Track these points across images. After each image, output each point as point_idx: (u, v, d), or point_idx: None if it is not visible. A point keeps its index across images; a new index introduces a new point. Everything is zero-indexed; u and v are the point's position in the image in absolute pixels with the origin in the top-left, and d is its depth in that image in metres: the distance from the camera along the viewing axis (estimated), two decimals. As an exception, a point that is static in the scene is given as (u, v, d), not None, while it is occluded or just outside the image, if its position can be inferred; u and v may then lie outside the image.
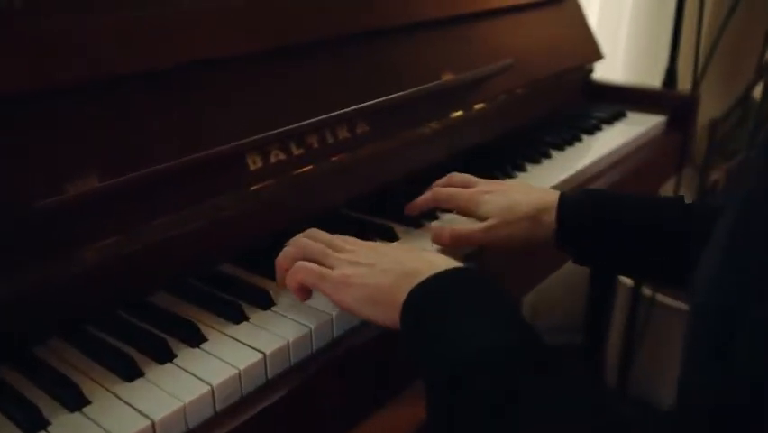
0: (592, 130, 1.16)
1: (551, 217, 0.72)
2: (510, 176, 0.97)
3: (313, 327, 0.61)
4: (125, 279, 0.65)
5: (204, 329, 0.61)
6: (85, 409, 0.52)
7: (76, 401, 0.52)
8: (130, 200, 0.64)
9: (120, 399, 0.53)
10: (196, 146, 0.68)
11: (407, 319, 0.54)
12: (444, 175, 0.83)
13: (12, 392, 0.54)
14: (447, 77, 1.00)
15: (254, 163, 0.74)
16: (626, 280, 1.65)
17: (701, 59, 1.26)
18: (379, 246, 0.63)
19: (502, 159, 1.01)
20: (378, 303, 0.56)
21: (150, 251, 0.65)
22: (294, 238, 0.67)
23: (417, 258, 0.58)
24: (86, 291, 0.63)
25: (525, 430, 0.43)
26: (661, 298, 1.61)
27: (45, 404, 0.52)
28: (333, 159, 0.83)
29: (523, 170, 0.99)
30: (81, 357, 0.58)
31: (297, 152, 0.79)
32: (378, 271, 0.57)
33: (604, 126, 1.19)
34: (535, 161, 1.02)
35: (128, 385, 0.55)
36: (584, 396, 0.44)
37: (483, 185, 0.78)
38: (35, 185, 0.59)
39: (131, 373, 0.55)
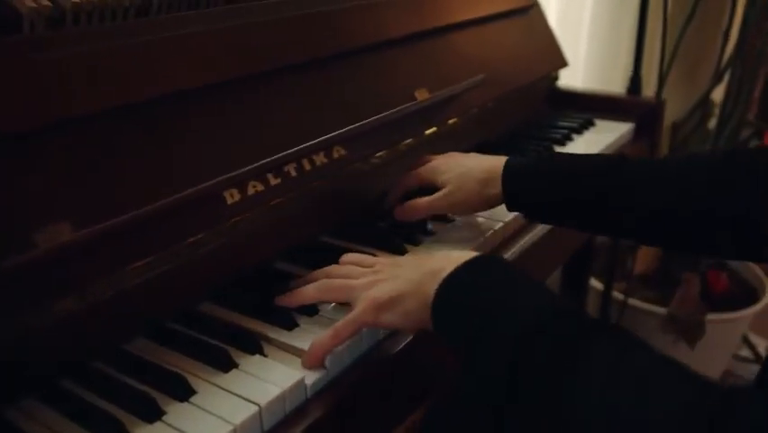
0: (563, 140, 1.16)
1: (498, 180, 0.78)
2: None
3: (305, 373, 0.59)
4: (102, 327, 0.62)
5: (191, 380, 0.58)
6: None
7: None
8: (104, 247, 0.60)
9: None
10: (170, 186, 0.65)
11: (443, 312, 0.55)
12: (416, 194, 0.86)
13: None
14: (421, 94, 0.98)
15: (231, 197, 0.71)
16: (597, 284, 1.66)
17: (665, 65, 1.27)
18: (394, 259, 0.67)
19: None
20: (408, 309, 0.58)
21: (125, 296, 0.62)
22: (312, 277, 0.68)
23: (435, 259, 0.60)
24: (61, 343, 0.59)
25: (603, 390, 0.43)
26: (632, 301, 1.62)
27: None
28: (312, 185, 0.80)
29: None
30: (60, 419, 0.55)
31: (274, 181, 0.76)
32: (402, 280, 0.59)
33: (574, 136, 1.19)
34: (512, 176, 1.01)
35: None
36: (663, 362, 0.45)
37: (439, 158, 0.86)
38: (2, 239, 0.55)
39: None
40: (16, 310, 0.55)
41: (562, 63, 1.38)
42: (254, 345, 0.62)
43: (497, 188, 0.78)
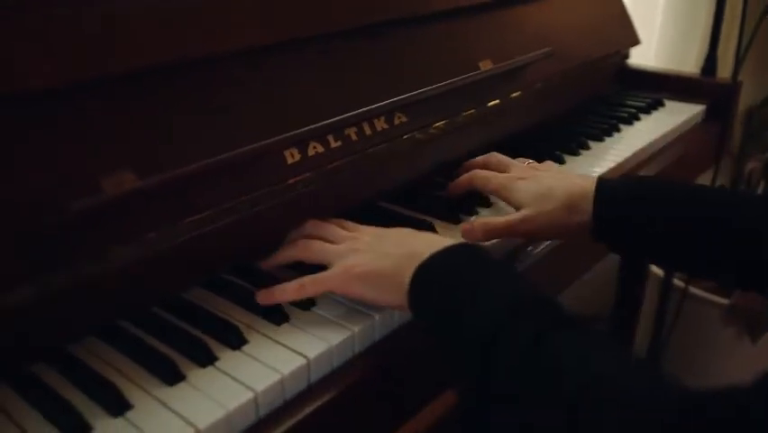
0: (630, 119, 1.13)
1: (587, 205, 0.68)
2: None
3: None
4: (162, 276, 0.64)
5: (244, 330, 0.59)
6: (128, 414, 0.51)
7: (118, 406, 0.51)
8: (165, 198, 0.62)
9: (162, 403, 0.52)
10: (231, 142, 0.66)
11: (418, 295, 0.56)
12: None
13: (52, 394, 0.53)
14: (485, 65, 0.97)
15: (292, 157, 0.72)
16: (657, 271, 1.62)
17: (742, 47, 1.22)
18: (378, 231, 0.65)
19: (539, 149, 0.98)
20: (382, 287, 0.58)
21: (183, 247, 0.64)
22: (290, 237, 0.69)
23: (416, 240, 0.60)
24: (124, 289, 0.61)
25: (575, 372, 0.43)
26: (693, 289, 1.58)
27: (86, 408, 0.51)
28: (372, 150, 0.81)
29: (561, 161, 0.97)
30: (119, 357, 0.57)
31: (334, 144, 0.76)
32: (379, 255, 0.60)
33: (642, 115, 1.16)
34: (573, 152, 0.99)
35: (169, 390, 0.53)
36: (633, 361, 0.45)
37: (518, 170, 0.77)
38: (71, 184, 0.57)
39: (173, 377, 0.54)
40: (84, 252, 0.58)
41: (634, 41, 1.34)
42: (306, 302, 0.63)
43: (585, 215, 0.68)
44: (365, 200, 0.83)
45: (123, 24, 0.62)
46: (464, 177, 0.80)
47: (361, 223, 0.73)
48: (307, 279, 0.61)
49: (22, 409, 0.52)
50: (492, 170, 0.79)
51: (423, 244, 0.58)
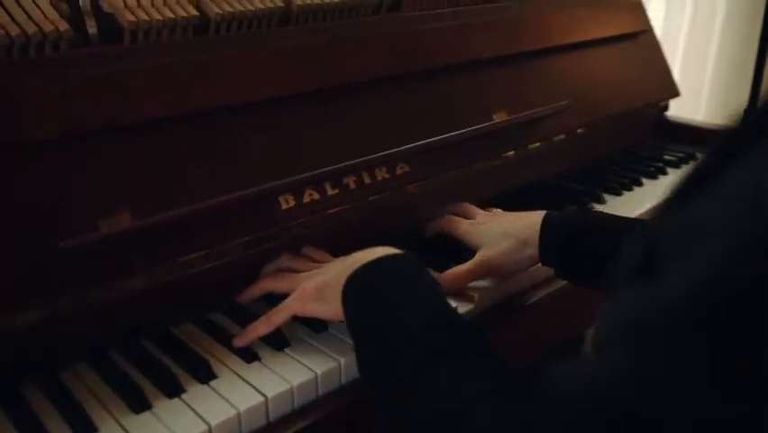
0: (655, 174, 1.12)
1: (536, 238, 0.74)
2: (556, 221, 0.95)
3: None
4: (153, 310, 0.69)
5: (216, 366, 0.64)
6: (92, 437, 0.56)
7: (85, 430, 0.56)
8: (159, 237, 0.67)
9: (125, 430, 0.56)
10: (225, 187, 0.71)
11: (346, 304, 0.60)
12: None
13: (32, 415, 0.58)
14: (500, 116, 0.99)
15: (286, 203, 0.77)
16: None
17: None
18: (341, 258, 0.68)
19: (551, 200, 0.99)
20: (328, 299, 0.63)
21: (175, 284, 0.69)
22: (265, 270, 0.74)
23: (361, 253, 0.64)
24: (115, 319, 0.67)
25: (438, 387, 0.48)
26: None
27: (59, 430, 0.56)
28: (370, 199, 0.84)
29: (571, 214, 0.97)
30: (100, 382, 0.62)
31: (331, 192, 0.80)
32: (329, 273, 0.64)
33: (669, 170, 1.15)
34: (585, 204, 1.00)
35: (134, 417, 0.58)
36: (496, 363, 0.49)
37: (481, 216, 0.84)
38: (70, 222, 0.63)
39: (139, 405, 0.59)
40: (82, 283, 0.64)
41: (673, 93, 1.32)
42: (280, 342, 0.67)
43: (535, 247, 0.74)
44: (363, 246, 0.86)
45: (131, 79, 0.68)
46: (437, 222, 0.86)
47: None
48: (272, 310, 0.66)
49: (6, 426, 0.57)
50: (460, 216, 0.85)
51: (364, 254, 0.63)
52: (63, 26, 0.74)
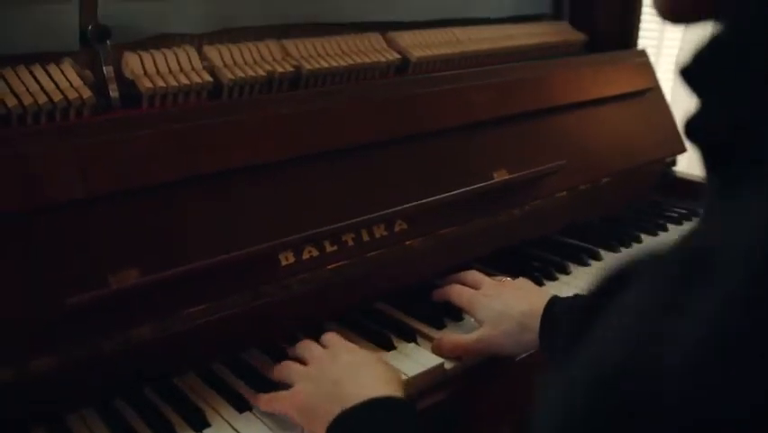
0: (655, 231, 1.14)
1: (536, 324, 0.74)
2: (552, 277, 0.99)
3: None
4: (155, 360, 0.74)
5: (210, 414, 0.68)
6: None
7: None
8: (165, 292, 0.73)
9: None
10: (227, 245, 0.76)
11: None
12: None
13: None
14: (500, 175, 1.03)
15: (286, 259, 0.81)
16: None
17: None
18: (331, 361, 0.69)
19: (549, 257, 1.03)
20: (311, 421, 0.64)
21: (179, 337, 0.74)
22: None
23: (355, 381, 0.64)
24: (121, 368, 0.72)
25: None
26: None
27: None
28: (369, 255, 0.89)
29: (566, 271, 1.00)
30: (101, 425, 0.67)
31: (330, 249, 0.85)
32: (319, 390, 0.65)
33: (670, 226, 1.17)
34: (582, 262, 1.03)
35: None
36: None
37: (487, 287, 0.84)
38: (83, 277, 0.69)
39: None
40: (87, 335, 0.69)
41: (678, 149, 1.35)
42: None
43: (533, 333, 0.74)
44: (363, 301, 0.90)
45: (142, 145, 0.74)
46: (442, 290, 0.88)
47: (357, 324, 0.84)
48: (268, 396, 0.69)
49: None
50: (468, 285, 0.86)
51: (356, 387, 0.63)
52: (86, 93, 0.81)
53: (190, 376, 0.76)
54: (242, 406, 0.70)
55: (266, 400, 0.69)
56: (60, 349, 0.68)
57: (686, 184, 1.34)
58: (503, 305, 0.78)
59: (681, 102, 1.72)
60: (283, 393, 0.69)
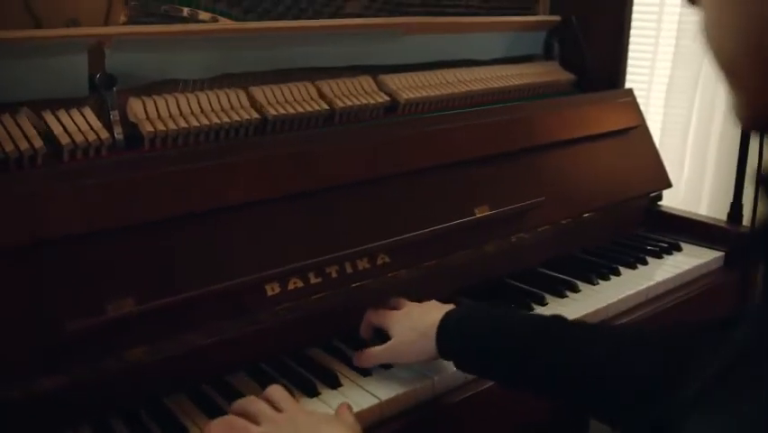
0: (634, 264, 1.19)
1: (433, 331, 0.83)
2: (529, 308, 1.04)
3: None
4: (148, 382, 0.80)
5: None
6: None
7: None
8: (158, 319, 0.79)
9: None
10: (216, 278, 0.83)
11: None
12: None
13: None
14: (482, 211, 1.09)
15: (272, 290, 0.88)
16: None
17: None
18: (291, 414, 0.71)
19: (527, 288, 1.08)
20: None
21: (170, 360, 0.80)
22: (233, 407, 0.75)
23: (312, 427, 0.68)
24: (113, 392, 0.78)
25: None
26: None
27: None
28: (352, 287, 0.95)
29: (542, 303, 1.05)
30: (97, 445, 0.74)
31: (314, 280, 0.91)
32: None
33: (650, 260, 1.22)
34: (559, 293, 1.08)
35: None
36: None
37: (406, 307, 0.92)
38: (82, 305, 0.76)
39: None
40: (86, 360, 0.75)
41: (663, 185, 1.40)
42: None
43: (433, 341, 0.83)
44: (348, 330, 0.96)
45: (139, 185, 0.82)
46: (366, 315, 0.94)
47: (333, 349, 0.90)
48: None
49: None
50: (390, 308, 0.93)
51: (313, 427, 0.68)
52: (105, 134, 0.89)
53: (181, 397, 0.82)
54: None
55: None
56: (61, 371, 0.75)
57: (671, 218, 1.39)
58: (410, 320, 0.88)
59: (672, 138, 1.78)
60: None
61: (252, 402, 0.73)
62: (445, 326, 0.83)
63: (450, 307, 0.87)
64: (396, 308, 0.93)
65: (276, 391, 0.75)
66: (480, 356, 0.81)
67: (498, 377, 0.83)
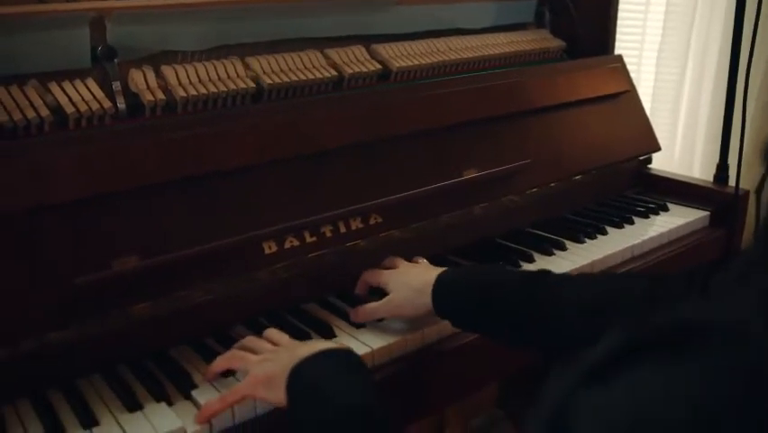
0: (621, 223, 1.23)
1: (428, 288, 0.87)
2: (516, 265, 1.08)
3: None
4: (153, 334, 0.86)
5: (197, 378, 0.80)
6: (94, 429, 0.73)
7: (88, 421, 0.73)
8: (160, 275, 0.85)
9: (119, 424, 0.73)
10: (216, 235, 0.88)
11: (288, 392, 0.71)
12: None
13: (50, 408, 0.76)
14: (470, 173, 1.13)
15: (269, 248, 0.93)
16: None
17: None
18: (292, 344, 0.80)
19: (515, 247, 1.13)
20: (273, 387, 0.73)
21: (171, 315, 0.86)
22: (233, 348, 0.83)
23: (309, 347, 0.75)
24: (121, 342, 0.84)
25: None
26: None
27: (68, 419, 0.73)
28: (347, 245, 1.00)
29: (530, 260, 1.10)
30: (106, 388, 0.80)
31: (310, 239, 0.96)
32: (277, 364, 0.74)
33: (636, 219, 1.26)
34: (547, 252, 1.12)
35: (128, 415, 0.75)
36: None
37: (403, 266, 0.96)
38: (88, 262, 0.81)
39: (133, 405, 0.75)
40: (93, 312, 0.81)
41: (653, 148, 1.44)
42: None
43: (428, 298, 0.87)
44: (341, 287, 1.01)
45: (140, 150, 0.87)
46: (363, 275, 0.99)
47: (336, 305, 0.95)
48: (227, 392, 0.76)
49: (32, 417, 0.75)
50: (386, 267, 0.98)
51: (306, 349, 0.74)
52: (107, 104, 0.94)
53: (183, 348, 0.88)
54: (229, 372, 0.81)
55: (229, 393, 0.75)
56: (72, 323, 0.80)
57: (660, 181, 1.43)
58: (407, 278, 0.92)
59: (664, 104, 1.81)
60: (242, 381, 0.76)
61: (252, 340, 0.82)
62: (441, 285, 0.87)
63: (443, 269, 0.90)
64: (391, 267, 0.97)
65: (273, 331, 0.84)
66: (476, 314, 0.84)
67: (494, 334, 0.86)
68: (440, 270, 0.90)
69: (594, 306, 0.77)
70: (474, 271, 0.91)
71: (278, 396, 0.72)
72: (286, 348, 0.79)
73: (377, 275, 0.96)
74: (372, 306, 0.92)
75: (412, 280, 0.90)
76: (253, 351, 0.80)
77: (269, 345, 0.81)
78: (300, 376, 0.71)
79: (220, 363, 0.80)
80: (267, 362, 0.76)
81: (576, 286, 0.80)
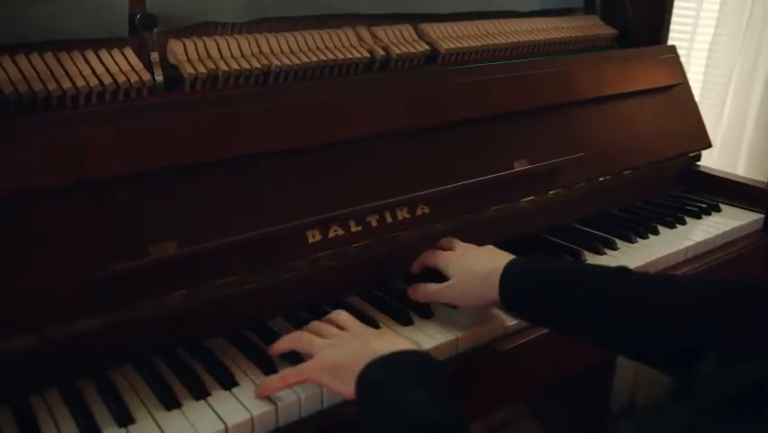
0: (673, 223, 1.17)
1: (496, 279, 0.81)
2: (566, 264, 1.03)
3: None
4: (189, 324, 0.81)
5: (237, 375, 0.75)
6: (130, 427, 0.68)
7: (123, 419, 0.68)
8: (198, 263, 0.79)
9: (157, 423, 0.68)
10: (259, 223, 0.83)
11: (359, 388, 0.67)
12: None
13: (83, 402, 0.71)
14: (521, 164, 1.07)
15: (313, 237, 0.87)
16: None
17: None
18: (359, 330, 0.75)
19: (568, 245, 1.07)
20: (340, 377, 0.69)
21: (211, 304, 0.80)
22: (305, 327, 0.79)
23: (381, 341, 0.70)
24: (156, 331, 0.79)
25: None
26: None
27: (102, 417, 0.68)
28: (391, 236, 0.94)
29: (580, 258, 1.04)
30: (140, 381, 0.75)
31: (355, 228, 0.91)
32: (346, 351, 0.71)
33: (689, 219, 1.20)
34: (597, 251, 1.07)
35: (166, 412, 0.70)
36: None
37: (460, 248, 0.90)
38: (126, 247, 0.75)
39: (170, 403, 0.70)
40: (130, 299, 0.76)
41: (704, 144, 1.38)
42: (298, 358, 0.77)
43: (494, 289, 0.81)
44: (382, 279, 0.96)
45: (184, 128, 0.81)
46: (421, 257, 0.93)
47: (376, 298, 0.91)
48: (289, 370, 0.73)
49: (62, 410, 0.70)
50: (443, 248, 0.92)
51: (385, 344, 0.70)
52: (146, 75, 0.88)
53: (219, 340, 0.82)
54: (268, 368, 0.76)
55: (291, 373, 0.72)
56: (106, 310, 0.75)
57: (710, 179, 1.37)
58: (470, 263, 0.85)
59: (711, 98, 1.74)
60: (307, 364, 0.73)
61: (318, 324, 0.78)
62: (510, 276, 0.81)
63: (508, 255, 0.84)
64: (448, 248, 0.91)
65: (340, 313, 0.79)
66: (551, 311, 0.78)
67: (566, 330, 0.80)
68: (504, 256, 0.84)
69: (678, 314, 0.70)
70: (546, 263, 0.84)
71: (345, 387, 0.68)
72: (355, 335, 0.74)
73: (436, 257, 0.90)
74: (433, 288, 0.87)
75: (476, 266, 0.84)
76: (319, 334, 0.76)
77: (335, 330, 0.76)
78: (374, 377, 0.66)
79: (285, 342, 0.77)
80: (334, 348, 0.72)
81: (659, 289, 0.74)
